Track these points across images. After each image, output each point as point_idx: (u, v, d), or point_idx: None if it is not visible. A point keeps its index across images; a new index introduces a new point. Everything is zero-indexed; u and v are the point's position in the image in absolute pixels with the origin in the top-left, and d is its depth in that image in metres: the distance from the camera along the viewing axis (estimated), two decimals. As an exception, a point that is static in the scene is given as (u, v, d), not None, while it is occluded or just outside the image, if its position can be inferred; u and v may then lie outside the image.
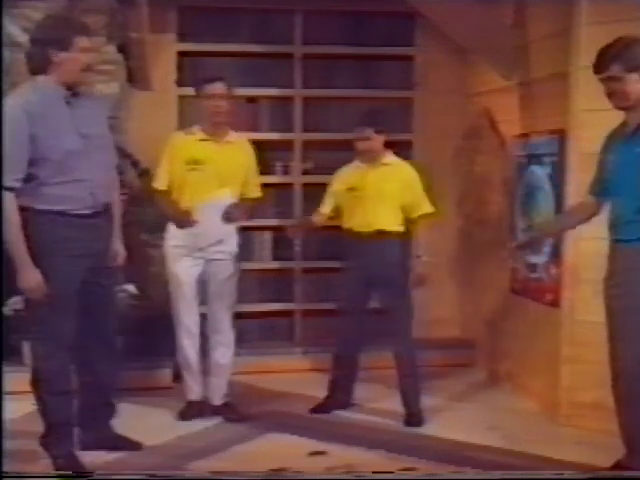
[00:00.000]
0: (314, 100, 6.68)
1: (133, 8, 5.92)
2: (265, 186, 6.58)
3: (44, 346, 4.35)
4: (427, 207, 5.38)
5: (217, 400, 5.43)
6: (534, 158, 5.61)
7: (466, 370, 6.51)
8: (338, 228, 5.49)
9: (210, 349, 5.40)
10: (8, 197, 4.12)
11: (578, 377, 4.78)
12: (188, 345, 5.34)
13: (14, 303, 5.39)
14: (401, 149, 6.78)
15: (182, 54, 6.56)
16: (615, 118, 4.42)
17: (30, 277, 4.16)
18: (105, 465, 4.54)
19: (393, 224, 5.29)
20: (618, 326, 4.19)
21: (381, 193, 5.24)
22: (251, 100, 6.74)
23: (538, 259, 5.55)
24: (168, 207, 5.27)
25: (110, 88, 6.00)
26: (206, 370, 5.43)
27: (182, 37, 6.53)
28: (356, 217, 5.28)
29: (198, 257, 5.23)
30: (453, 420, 5.36)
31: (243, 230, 5.54)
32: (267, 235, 6.76)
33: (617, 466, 4.30)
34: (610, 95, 4.14)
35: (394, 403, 5.48)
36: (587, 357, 4.54)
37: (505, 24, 5.91)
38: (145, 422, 5.24)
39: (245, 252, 6.61)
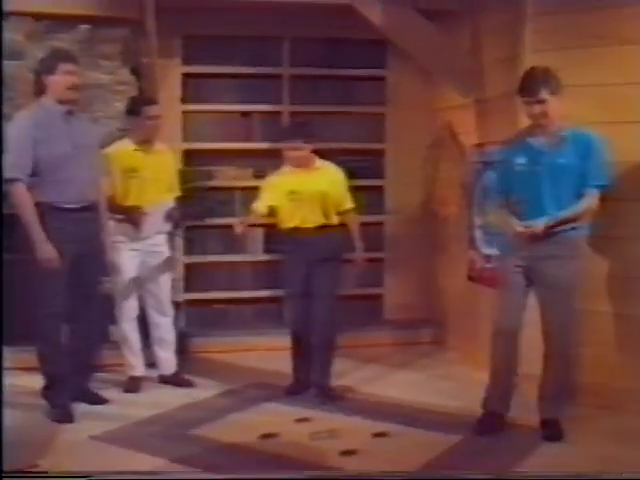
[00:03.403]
0: (300, 115, 6.70)
1: (144, 37, 5.96)
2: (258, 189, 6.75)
3: (43, 309, 4.67)
4: (349, 203, 5.39)
5: (167, 371, 5.53)
6: (489, 164, 5.61)
7: (432, 347, 6.55)
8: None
9: (154, 328, 5.50)
10: (20, 186, 4.53)
11: (526, 353, 4.86)
12: (129, 326, 5.40)
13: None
14: (375, 156, 6.97)
15: (186, 75, 6.60)
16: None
17: (47, 250, 4.52)
18: (111, 433, 4.57)
19: (330, 219, 5.29)
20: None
21: (318, 193, 5.22)
22: (245, 115, 6.77)
23: (492, 251, 5.60)
24: (119, 208, 5.27)
25: (124, 105, 6.04)
26: (153, 346, 5.52)
27: (186, 61, 6.57)
28: (299, 216, 5.23)
29: (138, 250, 5.34)
30: (420, 390, 5.41)
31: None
32: (259, 231, 6.78)
33: None
34: (533, 115, 4.41)
35: (363, 376, 5.62)
36: (532, 335, 4.63)
37: (463, 50, 5.97)
38: (146, 395, 5.35)
39: (239, 246, 6.74)
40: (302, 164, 5.29)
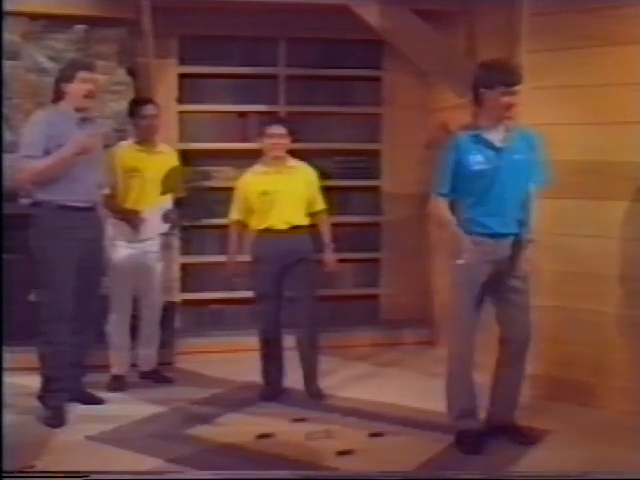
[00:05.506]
0: (296, 115, 6.68)
1: (140, 37, 5.97)
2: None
3: (49, 311, 4.69)
4: (322, 204, 5.36)
5: (147, 367, 5.57)
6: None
7: (428, 347, 6.53)
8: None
9: (143, 325, 5.53)
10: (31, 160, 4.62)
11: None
12: (121, 324, 5.42)
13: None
14: (371, 157, 6.97)
15: (182, 76, 6.60)
16: (550, 131, 4.55)
17: (81, 139, 4.65)
18: (107, 433, 4.56)
19: (303, 219, 5.25)
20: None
21: (292, 193, 5.18)
22: (241, 115, 6.76)
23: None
24: (119, 209, 5.34)
25: (120, 105, 6.05)
26: (137, 343, 5.55)
27: (182, 61, 6.57)
28: (272, 217, 5.16)
29: (134, 250, 5.37)
30: (416, 390, 5.40)
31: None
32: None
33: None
34: (506, 106, 4.19)
35: (359, 376, 5.59)
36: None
37: (459, 51, 5.98)
38: (146, 393, 5.32)
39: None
40: (280, 156, 5.22)
